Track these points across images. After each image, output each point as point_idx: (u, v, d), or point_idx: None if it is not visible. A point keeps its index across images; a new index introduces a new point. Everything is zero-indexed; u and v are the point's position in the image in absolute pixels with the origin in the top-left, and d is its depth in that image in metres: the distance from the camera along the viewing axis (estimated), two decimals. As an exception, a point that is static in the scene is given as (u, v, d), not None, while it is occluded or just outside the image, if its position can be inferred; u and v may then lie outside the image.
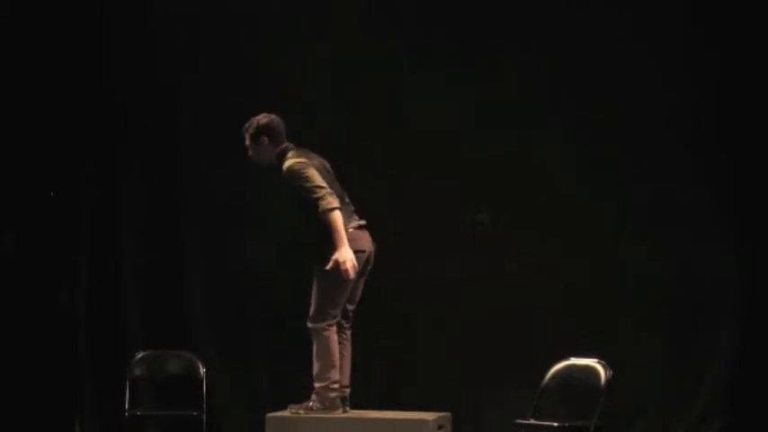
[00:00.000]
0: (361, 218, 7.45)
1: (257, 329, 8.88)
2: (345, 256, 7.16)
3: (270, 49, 8.84)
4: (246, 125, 7.46)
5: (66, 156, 8.97)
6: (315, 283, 7.34)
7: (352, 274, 7.18)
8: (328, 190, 7.21)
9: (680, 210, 8.32)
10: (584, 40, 8.42)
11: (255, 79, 8.83)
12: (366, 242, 7.41)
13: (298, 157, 7.32)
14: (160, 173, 9.05)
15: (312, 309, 7.35)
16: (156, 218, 9.03)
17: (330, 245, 7.18)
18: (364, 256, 7.38)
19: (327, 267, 7.16)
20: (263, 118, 7.45)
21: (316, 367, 7.35)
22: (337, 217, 7.18)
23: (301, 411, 7.37)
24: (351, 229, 7.34)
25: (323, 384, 7.34)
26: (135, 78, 9.00)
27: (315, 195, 7.19)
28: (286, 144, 7.42)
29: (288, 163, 7.30)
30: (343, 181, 7.48)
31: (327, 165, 7.46)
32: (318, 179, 7.24)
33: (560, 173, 8.47)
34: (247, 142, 7.44)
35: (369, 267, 7.47)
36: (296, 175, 7.26)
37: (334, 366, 7.34)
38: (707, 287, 8.26)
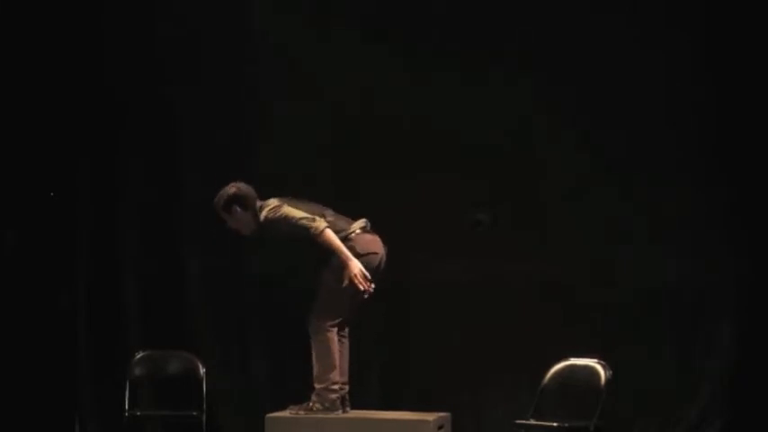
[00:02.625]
0: (361, 218, 7.47)
1: (257, 329, 8.87)
2: (354, 269, 7.18)
3: (271, 49, 8.84)
4: (215, 201, 7.45)
5: (66, 156, 8.96)
6: (322, 283, 7.34)
7: (365, 285, 7.19)
8: (309, 216, 7.24)
9: (680, 210, 8.32)
10: (586, 41, 8.41)
11: (256, 80, 8.83)
12: (377, 245, 7.43)
13: (268, 205, 7.35)
14: (160, 173, 9.04)
15: (317, 308, 7.34)
16: (157, 218, 9.03)
17: (329, 266, 7.27)
18: (377, 258, 7.40)
19: (344, 285, 7.18)
20: (230, 188, 7.46)
21: (316, 368, 7.35)
22: (329, 235, 7.22)
23: (301, 412, 7.37)
24: (358, 231, 7.35)
25: (323, 385, 7.34)
26: (136, 78, 9.00)
27: (301, 227, 7.22)
28: (260, 204, 7.41)
29: (262, 215, 7.35)
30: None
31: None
32: (295, 211, 7.27)
33: (561, 173, 8.47)
34: (222, 216, 7.46)
35: (380, 269, 7.46)
36: (276, 221, 7.30)
37: (335, 367, 7.34)
38: (707, 287, 8.26)
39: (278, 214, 7.28)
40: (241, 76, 8.89)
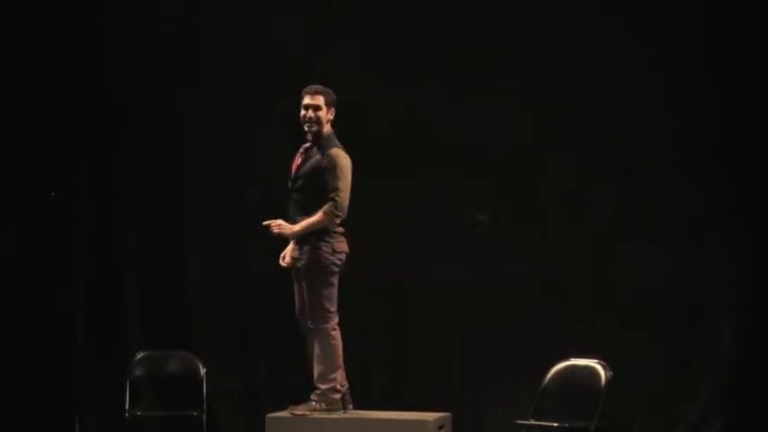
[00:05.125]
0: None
1: (257, 329, 8.87)
2: (286, 231, 7.31)
3: (271, 49, 8.84)
4: (320, 89, 7.42)
5: (66, 156, 8.96)
6: (308, 286, 7.34)
7: (271, 227, 7.33)
8: (347, 200, 7.28)
9: (680, 210, 8.33)
10: (587, 42, 8.42)
11: (256, 81, 8.83)
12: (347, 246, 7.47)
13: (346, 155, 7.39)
14: (160, 173, 9.05)
15: (314, 310, 7.33)
16: (156, 218, 9.03)
17: (318, 246, 7.29)
18: (345, 257, 7.44)
19: (265, 223, 7.31)
20: None
21: (319, 368, 7.34)
22: (327, 224, 7.27)
23: (306, 412, 7.33)
24: (340, 231, 7.38)
25: (329, 386, 7.33)
26: (136, 78, 9.01)
27: (336, 193, 7.26)
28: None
29: (339, 152, 7.34)
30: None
31: None
32: (348, 185, 7.31)
33: (561, 173, 8.47)
34: (317, 102, 7.38)
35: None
36: (339, 166, 7.30)
37: (339, 367, 7.35)
38: (707, 287, 8.27)
39: (344, 168, 7.32)
40: (241, 76, 8.89)
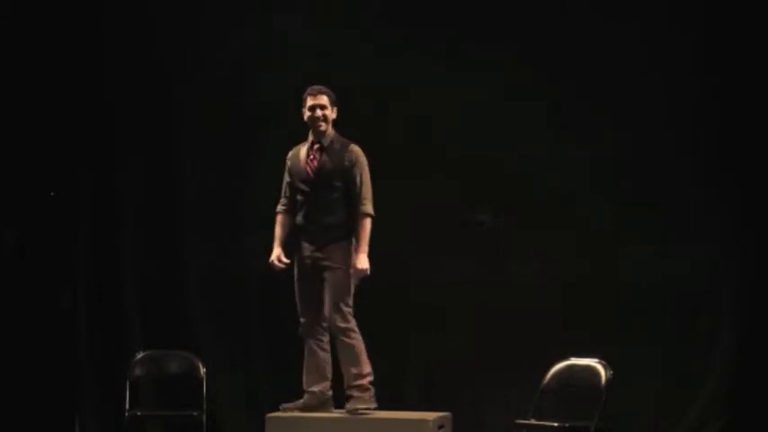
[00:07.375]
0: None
1: (257, 329, 8.88)
2: (367, 264, 7.28)
3: (269, 48, 8.85)
4: (323, 89, 7.45)
5: (66, 156, 8.97)
6: (334, 285, 7.34)
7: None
8: (371, 198, 7.34)
9: (680, 210, 8.33)
10: (587, 43, 8.44)
11: (255, 80, 8.83)
12: None
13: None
14: (160, 173, 9.05)
15: (339, 309, 7.31)
16: (156, 218, 9.03)
17: (345, 247, 7.32)
18: None
19: (358, 277, 7.29)
20: None
21: (357, 367, 7.32)
22: (369, 226, 7.30)
23: (367, 406, 7.32)
24: None
25: (372, 379, 7.36)
26: (135, 78, 9.01)
27: (366, 194, 7.32)
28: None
29: (359, 148, 7.40)
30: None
31: None
32: (369, 183, 7.36)
33: (561, 173, 8.47)
34: (322, 101, 7.41)
35: None
36: (364, 166, 7.36)
37: (368, 361, 7.37)
38: (707, 287, 8.27)
39: (364, 166, 7.36)
40: (241, 76, 8.89)
